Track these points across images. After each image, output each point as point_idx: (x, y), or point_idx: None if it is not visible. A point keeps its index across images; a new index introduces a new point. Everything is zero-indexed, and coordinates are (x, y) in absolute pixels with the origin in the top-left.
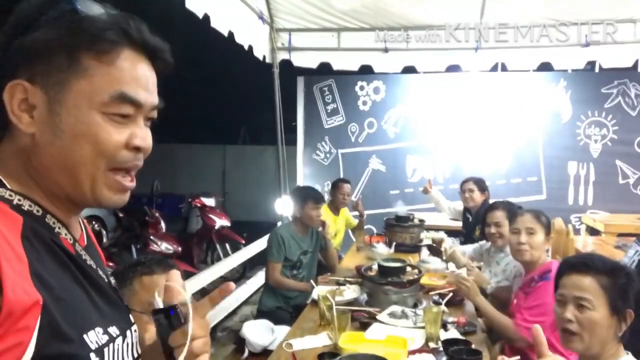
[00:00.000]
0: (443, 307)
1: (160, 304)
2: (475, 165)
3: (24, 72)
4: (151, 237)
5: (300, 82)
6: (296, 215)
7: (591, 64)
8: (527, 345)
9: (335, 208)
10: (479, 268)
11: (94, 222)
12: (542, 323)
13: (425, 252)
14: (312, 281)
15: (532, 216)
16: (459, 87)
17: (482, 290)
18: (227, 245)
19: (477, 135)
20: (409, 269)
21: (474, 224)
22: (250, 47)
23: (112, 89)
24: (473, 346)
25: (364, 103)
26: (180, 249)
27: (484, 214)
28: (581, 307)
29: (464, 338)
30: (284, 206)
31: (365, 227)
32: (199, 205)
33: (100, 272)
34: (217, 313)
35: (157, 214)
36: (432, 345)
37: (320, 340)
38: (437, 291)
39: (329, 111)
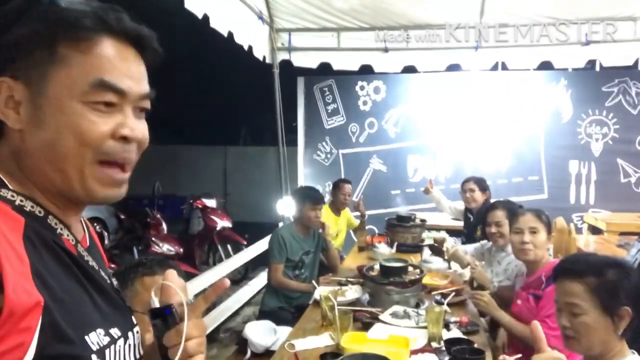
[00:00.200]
0: (445, 307)
1: (156, 304)
2: (476, 164)
3: (9, 70)
4: (153, 239)
5: (301, 82)
6: (296, 216)
7: (592, 63)
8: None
9: (336, 208)
10: None
11: (95, 224)
12: None
13: (427, 252)
14: (314, 282)
15: (533, 215)
16: (459, 87)
17: (484, 290)
18: (229, 247)
19: (478, 134)
20: (410, 269)
21: (475, 224)
22: (250, 48)
23: (92, 77)
24: (476, 346)
25: (365, 103)
26: (181, 250)
27: (484, 214)
28: (573, 313)
29: (466, 338)
30: (285, 207)
31: (367, 227)
32: (200, 206)
33: (103, 274)
34: (220, 314)
35: (158, 216)
36: (434, 345)
37: (323, 341)
38: (440, 291)
39: (329, 111)
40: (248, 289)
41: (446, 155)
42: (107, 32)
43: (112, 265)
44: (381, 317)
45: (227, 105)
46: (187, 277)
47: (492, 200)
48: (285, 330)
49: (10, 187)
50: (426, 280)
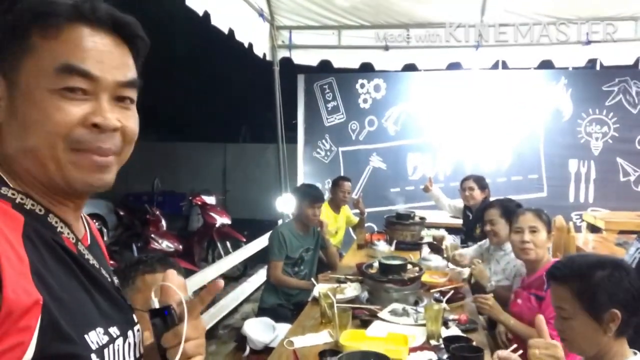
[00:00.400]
0: (444, 305)
1: (156, 304)
2: (476, 162)
3: None
4: (152, 236)
5: (301, 80)
6: (296, 213)
7: (592, 62)
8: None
9: (335, 206)
10: None
11: (94, 221)
12: None
13: (426, 250)
14: (313, 279)
15: (533, 214)
16: (459, 85)
17: (482, 287)
18: (228, 243)
19: (478, 132)
20: (409, 266)
21: (475, 222)
22: (251, 45)
23: (57, 62)
24: (474, 343)
25: (365, 101)
26: (181, 247)
27: (481, 212)
28: (562, 317)
29: (465, 335)
30: (285, 204)
31: (366, 224)
32: (199, 203)
33: (104, 272)
34: (219, 311)
35: (157, 212)
36: (433, 342)
37: (322, 338)
38: (438, 289)
39: (329, 109)
40: (247, 286)
41: (446, 153)
42: (81, 20)
43: (112, 262)
44: (380, 314)
45: (227, 102)
46: (187, 274)
47: (491, 199)
48: (284, 327)
49: (11, 185)
50: (425, 278)
